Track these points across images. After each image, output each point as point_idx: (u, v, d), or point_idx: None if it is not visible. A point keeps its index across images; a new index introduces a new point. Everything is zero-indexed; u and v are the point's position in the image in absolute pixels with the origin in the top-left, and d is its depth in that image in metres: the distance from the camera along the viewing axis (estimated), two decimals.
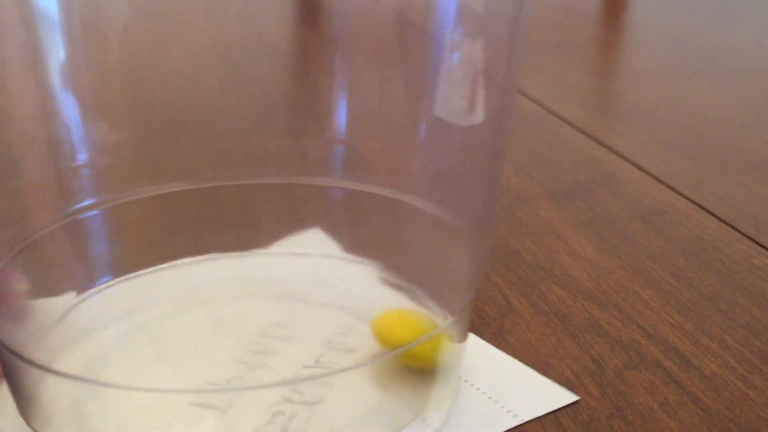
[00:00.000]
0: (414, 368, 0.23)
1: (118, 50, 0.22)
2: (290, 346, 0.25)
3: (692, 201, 0.40)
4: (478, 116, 0.23)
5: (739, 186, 0.42)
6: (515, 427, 0.23)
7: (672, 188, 0.42)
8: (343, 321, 0.26)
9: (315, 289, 0.28)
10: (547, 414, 0.24)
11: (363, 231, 0.28)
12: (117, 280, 0.26)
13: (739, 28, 0.89)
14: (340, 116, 0.25)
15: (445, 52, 0.22)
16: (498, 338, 0.28)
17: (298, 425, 0.22)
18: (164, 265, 0.27)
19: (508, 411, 0.24)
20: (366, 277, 0.27)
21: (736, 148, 0.48)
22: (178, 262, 0.27)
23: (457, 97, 0.22)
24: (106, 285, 0.26)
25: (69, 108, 0.22)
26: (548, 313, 0.30)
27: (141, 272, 0.27)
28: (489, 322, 0.29)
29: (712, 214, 0.39)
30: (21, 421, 0.23)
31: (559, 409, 0.24)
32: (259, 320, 0.26)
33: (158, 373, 0.24)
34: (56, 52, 0.21)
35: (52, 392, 0.22)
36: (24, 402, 0.22)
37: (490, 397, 0.24)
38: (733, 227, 0.37)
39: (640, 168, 0.45)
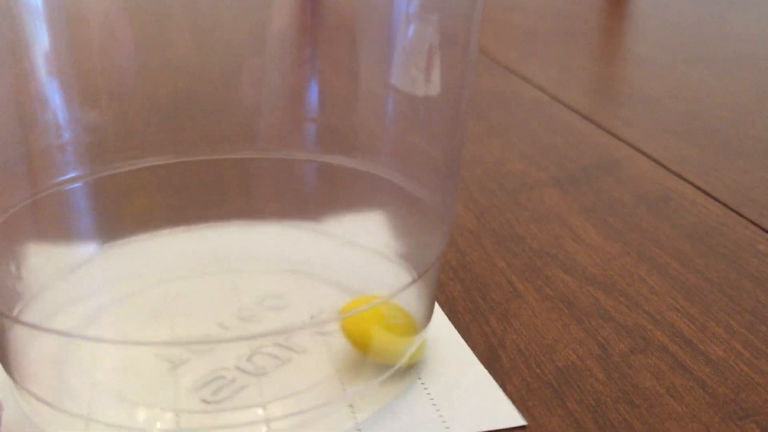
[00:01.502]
0: (372, 360, 0.24)
1: (119, 36, 0.22)
2: (278, 316, 0.25)
3: (697, 187, 0.40)
4: (435, 88, 0.23)
5: (744, 172, 0.42)
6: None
7: (677, 174, 0.42)
8: (336, 298, 0.26)
9: (315, 264, 0.28)
10: (555, 398, 0.24)
11: (335, 202, 0.28)
12: (109, 246, 0.26)
13: (744, 15, 0.88)
14: (313, 95, 0.25)
15: (402, 23, 0.22)
16: (503, 323, 0.28)
17: (230, 392, 0.22)
18: (160, 232, 0.27)
19: (444, 422, 0.23)
20: (355, 251, 0.27)
21: (742, 134, 0.48)
22: (174, 229, 0.27)
23: (413, 69, 0.23)
24: (97, 252, 0.26)
25: (55, 93, 0.22)
26: (554, 298, 0.30)
27: (133, 239, 0.27)
28: (494, 307, 0.29)
29: (718, 200, 0.38)
30: (5, 375, 0.24)
31: (565, 392, 0.24)
32: (257, 290, 0.26)
33: (139, 330, 0.25)
34: (41, 41, 0.21)
35: (33, 348, 0.22)
36: (8, 357, 0.23)
37: (434, 404, 0.24)
38: (738, 213, 0.37)
39: (645, 154, 0.45)
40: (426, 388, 0.24)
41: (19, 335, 0.22)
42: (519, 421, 0.23)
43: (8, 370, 0.23)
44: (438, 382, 0.25)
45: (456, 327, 0.28)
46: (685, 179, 0.41)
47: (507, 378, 0.25)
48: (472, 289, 0.30)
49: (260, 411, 0.22)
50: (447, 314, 0.28)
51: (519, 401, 0.24)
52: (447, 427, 0.23)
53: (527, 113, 0.53)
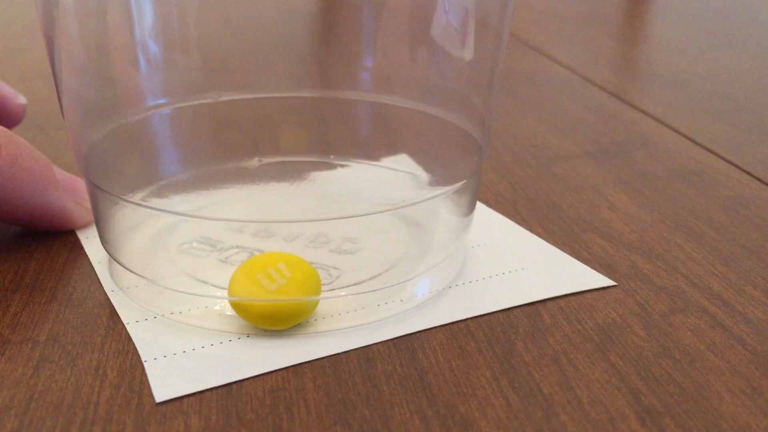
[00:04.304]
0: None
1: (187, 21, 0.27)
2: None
3: (731, 162, 0.40)
4: (469, 52, 0.27)
5: None
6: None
7: (710, 150, 0.42)
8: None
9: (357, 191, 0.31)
10: (597, 352, 0.24)
11: (387, 136, 0.32)
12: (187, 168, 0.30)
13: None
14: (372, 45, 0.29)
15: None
16: None
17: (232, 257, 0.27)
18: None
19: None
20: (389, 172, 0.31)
21: None
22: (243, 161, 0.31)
23: (453, 38, 0.27)
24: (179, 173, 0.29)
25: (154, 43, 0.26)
26: (591, 261, 0.30)
27: (209, 165, 0.30)
28: None
29: (752, 175, 0.39)
30: (103, 251, 0.28)
31: (607, 347, 0.25)
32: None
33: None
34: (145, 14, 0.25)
35: (137, 225, 0.28)
36: (107, 234, 0.27)
37: None
38: None
39: (676, 131, 0.45)
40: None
41: (124, 215, 0.27)
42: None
43: (105, 245, 0.27)
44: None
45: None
46: (718, 155, 0.41)
47: (549, 333, 0.25)
48: None
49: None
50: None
51: (561, 353, 0.24)
52: None
53: (557, 91, 0.53)
